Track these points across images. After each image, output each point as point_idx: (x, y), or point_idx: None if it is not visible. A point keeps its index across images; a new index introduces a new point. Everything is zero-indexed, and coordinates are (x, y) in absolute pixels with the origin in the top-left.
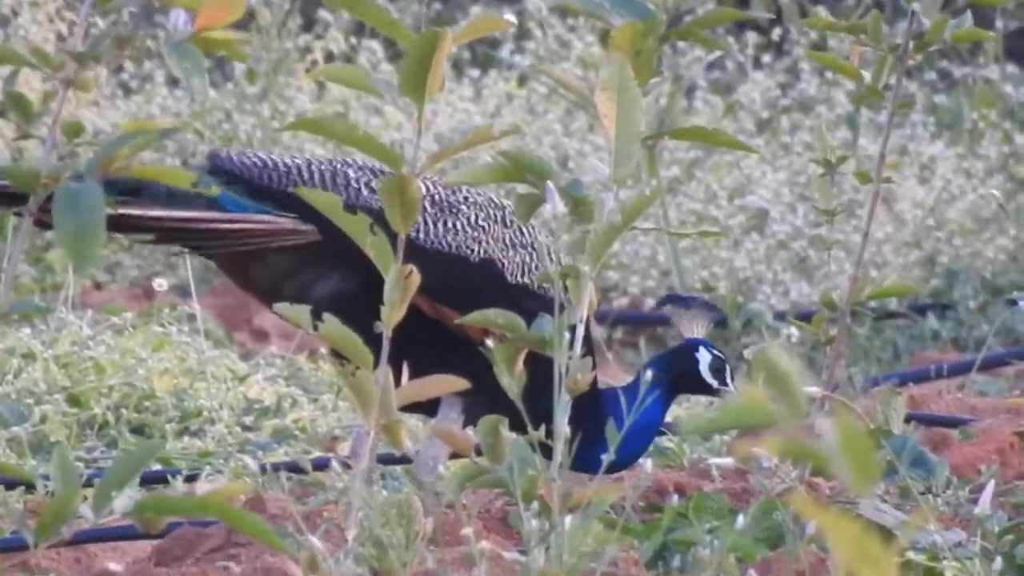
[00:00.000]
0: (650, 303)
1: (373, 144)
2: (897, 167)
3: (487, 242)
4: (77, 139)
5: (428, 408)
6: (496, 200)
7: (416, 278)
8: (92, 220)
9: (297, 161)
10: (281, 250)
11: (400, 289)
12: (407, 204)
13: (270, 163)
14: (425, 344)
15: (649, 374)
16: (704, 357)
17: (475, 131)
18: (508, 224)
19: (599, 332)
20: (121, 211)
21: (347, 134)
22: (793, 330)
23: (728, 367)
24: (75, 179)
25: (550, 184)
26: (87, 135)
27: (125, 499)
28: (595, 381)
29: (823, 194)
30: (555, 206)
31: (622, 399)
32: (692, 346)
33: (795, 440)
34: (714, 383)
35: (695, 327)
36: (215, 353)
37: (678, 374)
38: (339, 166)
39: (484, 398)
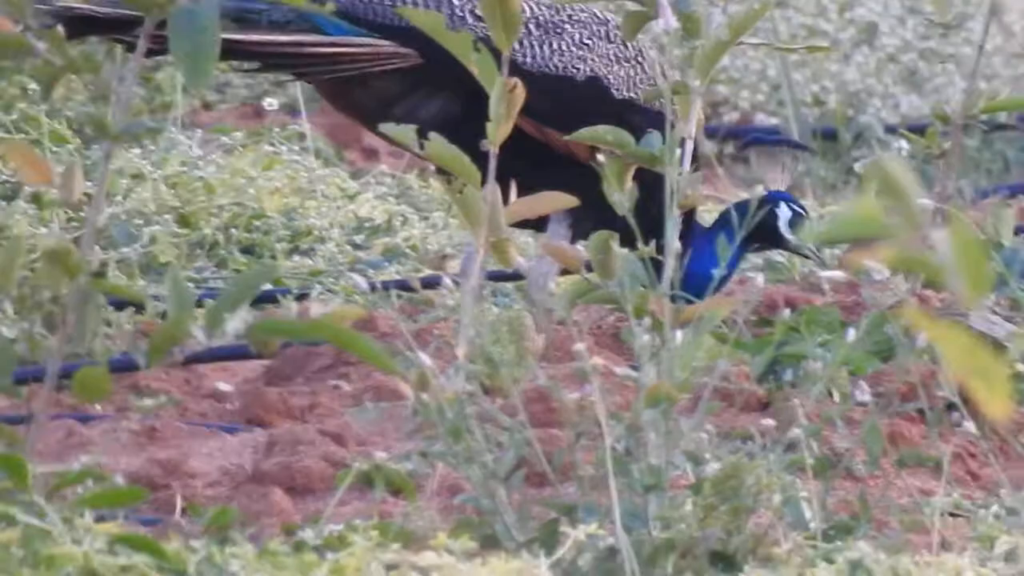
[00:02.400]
0: (761, 118)
1: None
2: None
3: (592, 60)
4: None
5: (536, 226)
6: (600, 15)
7: (521, 92)
8: (207, 38)
9: None
10: (383, 74)
11: (505, 104)
12: (509, 20)
13: None
14: (531, 163)
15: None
16: (784, 213)
17: None
18: (612, 39)
19: (708, 147)
20: (225, 36)
21: None
22: (904, 143)
23: (808, 223)
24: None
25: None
26: None
27: (238, 321)
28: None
29: (938, 6)
30: (668, 21)
31: (706, 236)
32: (774, 199)
33: (909, 251)
34: (792, 240)
35: (779, 172)
36: (325, 172)
37: (756, 226)
38: None
39: (591, 215)
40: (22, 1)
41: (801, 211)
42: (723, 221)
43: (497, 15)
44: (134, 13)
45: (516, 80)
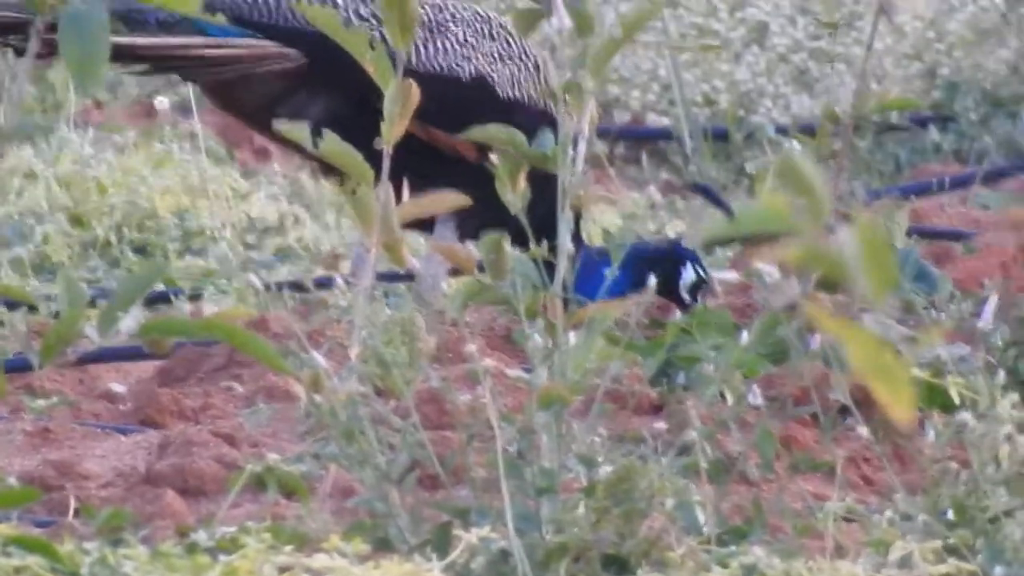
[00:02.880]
0: (652, 118)
1: None
2: None
3: (476, 59)
4: None
5: (422, 226)
6: (482, 13)
7: (417, 93)
8: (97, 43)
9: None
10: (266, 75)
11: (400, 104)
12: (406, 19)
13: None
14: (420, 163)
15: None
16: (688, 274)
17: None
18: (495, 37)
19: (600, 147)
20: (113, 40)
21: None
22: (795, 143)
23: (705, 289)
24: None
25: None
26: None
27: (131, 320)
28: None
29: (827, 6)
30: (561, 20)
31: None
32: (681, 257)
33: (815, 247)
34: (686, 299)
35: (699, 228)
36: (217, 171)
37: (657, 274)
38: None
39: (478, 215)
40: None
41: (704, 276)
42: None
43: (395, 15)
44: (22, 15)
45: (411, 81)
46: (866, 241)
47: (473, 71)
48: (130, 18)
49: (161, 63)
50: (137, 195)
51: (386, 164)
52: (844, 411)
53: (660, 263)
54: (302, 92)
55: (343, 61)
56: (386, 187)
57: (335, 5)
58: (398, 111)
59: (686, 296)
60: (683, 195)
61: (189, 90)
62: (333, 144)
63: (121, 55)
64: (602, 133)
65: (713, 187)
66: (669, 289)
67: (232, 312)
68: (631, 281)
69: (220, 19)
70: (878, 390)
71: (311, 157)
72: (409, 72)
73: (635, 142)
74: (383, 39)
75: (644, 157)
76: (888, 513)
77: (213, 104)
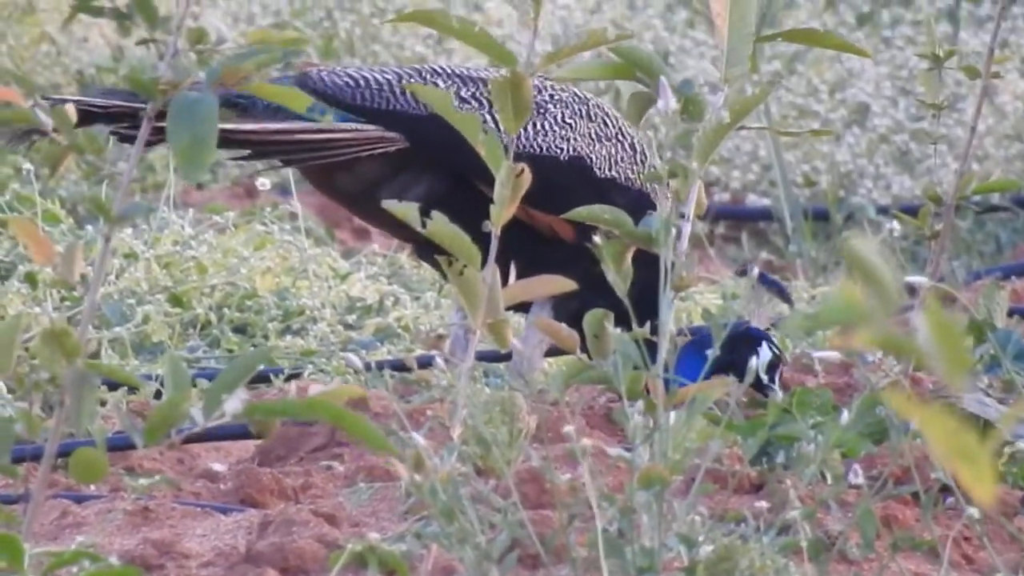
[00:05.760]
0: (752, 198)
1: (487, 40)
2: (1004, 62)
3: (575, 139)
4: (200, 45)
5: (519, 307)
6: (580, 94)
7: (527, 177)
8: (206, 130)
9: (387, 76)
10: (368, 160)
11: (510, 187)
12: (520, 103)
13: (361, 81)
14: (518, 244)
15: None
16: (764, 354)
17: (591, 34)
18: (592, 118)
19: (700, 227)
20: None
21: (462, 29)
22: (895, 224)
23: (781, 368)
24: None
25: (663, 80)
26: (210, 42)
27: (236, 402)
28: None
29: (930, 88)
30: (667, 103)
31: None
32: (757, 337)
33: (887, 334)
34: (764, 379)
35: (766, 310)
36: (317, 251)
37: (733, 358)
38: (428, 76)
39: (575, 296)
40: (31, 81)
41: (778, 354)
42: (697, 342)
43: (508, 99)
44: (133, 104)
45: (523, 165)
46: (937, 326)
47: (572, 151)
48: (235, 103)
49: (265, 148)
50: (237, 275)
51: (494, 245)
52: (945, 489)
53: (737, 345)
54: (403, 175)
55: (447, 143)
56: (493, 268)
57: (436, 87)
58: (508, 194)
59: (764, 376)
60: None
61: (289, 171)
62: (441, 225)
63: (226, 140)
64: (701, 215)
65: (769, 275)
66: (743, 366)
67: (337, 392)
68: (723, 362)
69: (328, 118)
70: (959, 471)
71: (410, 239)
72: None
73: (735, 222)
74: (492, 121)
75: (744, 237)
76: None
77: (314, 187)
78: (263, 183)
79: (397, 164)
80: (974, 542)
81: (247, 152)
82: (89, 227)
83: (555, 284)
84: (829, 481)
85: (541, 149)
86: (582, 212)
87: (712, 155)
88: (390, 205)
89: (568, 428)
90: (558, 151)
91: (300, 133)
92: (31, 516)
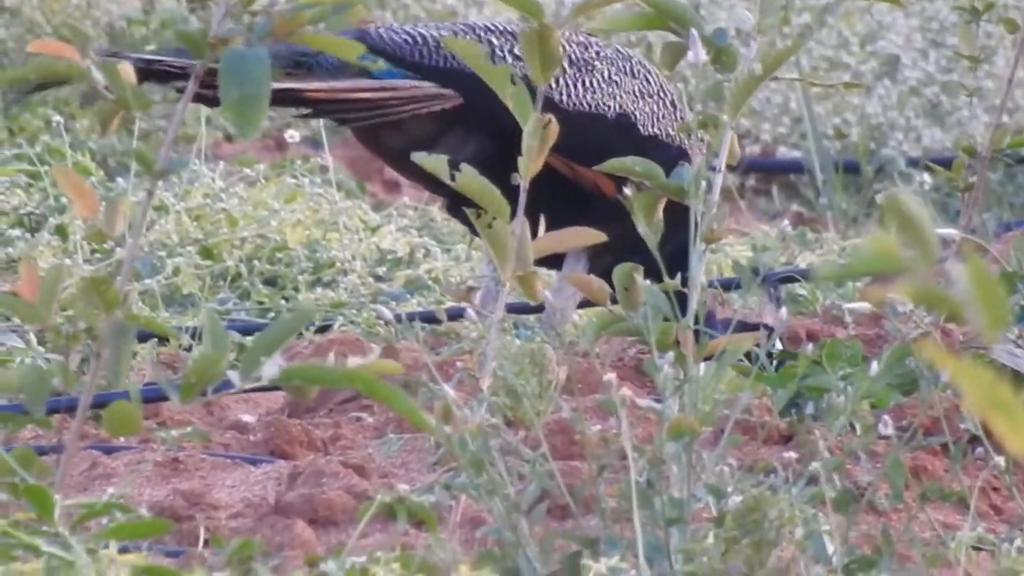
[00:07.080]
0: (783, 150)
1: None
2: None
3: (620, 96)
4: (251, 5)
5: (550, 261)
6: (623, 51)
7: (555, 128)
8: (258, 87)
9: (443, 32)
10: (420, 116)
11: (538, 139)
12: (547, 55)
13: (419, 38)
14: (556, 199)
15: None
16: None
17: None
18: (636, 75)
19: (730, 180)
20: (279, 86)
21: None
22: (926, 176)
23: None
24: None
25: (694, 32)
26: (262, 2)
27: (273, 367)
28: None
29: (966, 41)
30: (698, 54)
31: None
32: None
33: (926, 286)
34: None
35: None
36: (347, 204)
37: None
38: (482, 33)
39: (610, 251)
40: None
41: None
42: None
43: (535, 50)
44: (182, 62)
45: (550, 116)
46: (976, 278)
47: (618, 108)
48: (295, 62)
49: (326, 106)
50: (267, 228)
51: (522, 198)
52: (974, 440)
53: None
54: (455, 133)
55: (494, 101)
56: (522, 221)
57: (490, 45)
58: (536, 146)
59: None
60: (813, 227)
61: (320, 124)
62: (469, 177)
63: (286, 99)
64: (733, 165)
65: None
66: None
67: (378, 366)
68: None
69: (380, 64)
70: (994, 423)
71: (442, 192)
72: (558, 109)
73: (766, 174)
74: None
75: (775, 189)
76: (1017, 542)
77: (359, 141)
78: (292, 135)
79: (447, 122)
80: (1003, 492)
81: (308, 111)
82: (120, 179)
83: (585, 236)
84: (858, 432)
85: (589, 106)
86: (614, 164)
87: (744, 107)
88: (419, 158)
89: (608, 376)
90: (606, 108)
91: (362, 91)
92: (64, 469)
